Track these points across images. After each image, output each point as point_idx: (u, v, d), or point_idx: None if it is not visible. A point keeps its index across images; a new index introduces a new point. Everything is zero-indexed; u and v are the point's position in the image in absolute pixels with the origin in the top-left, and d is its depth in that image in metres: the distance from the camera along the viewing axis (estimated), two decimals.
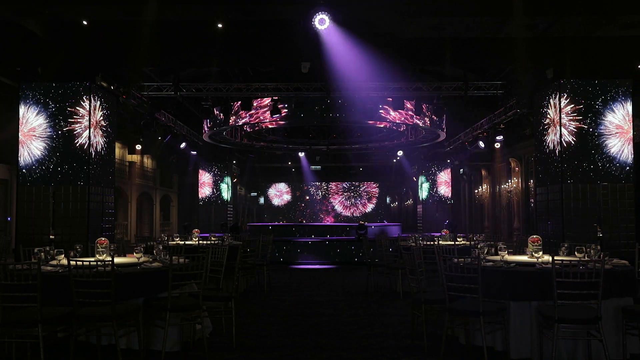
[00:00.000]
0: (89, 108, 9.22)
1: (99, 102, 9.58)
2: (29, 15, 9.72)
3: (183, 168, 24.37)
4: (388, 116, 15.03)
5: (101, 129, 9.61)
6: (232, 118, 15.34)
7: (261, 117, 14.97)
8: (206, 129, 16.41)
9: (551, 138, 9.64)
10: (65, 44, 11.16)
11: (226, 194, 22.76)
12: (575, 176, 9.21)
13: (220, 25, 9.77)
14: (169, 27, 10.62)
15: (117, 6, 9.60)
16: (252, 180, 31.79)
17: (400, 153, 19.69)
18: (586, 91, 9.33)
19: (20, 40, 10.91)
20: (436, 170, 22.81)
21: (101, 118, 9.63)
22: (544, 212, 9.90)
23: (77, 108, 9.21)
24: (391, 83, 13.71)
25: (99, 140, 9.51)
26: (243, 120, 15.37)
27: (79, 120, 9.18)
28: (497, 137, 15.43)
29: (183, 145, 15.39)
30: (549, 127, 9.75)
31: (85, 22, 9.88)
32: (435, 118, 15.28)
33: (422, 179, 22.86)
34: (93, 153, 9.28)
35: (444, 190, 22.73)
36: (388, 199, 35.01)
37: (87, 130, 9.17)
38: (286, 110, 14.67)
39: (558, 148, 9.34)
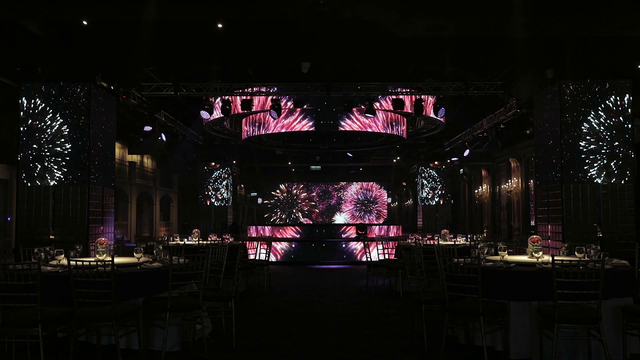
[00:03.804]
0: (89, 108, 9.22)
1: (99, 102, 9.58)
2: (29, 15, 9.72)
3: (183, 168, 24.36)
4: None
5: (101, 129, 9.60)
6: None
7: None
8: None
9: (551, 138, 9.64)
10: (65, 44, 11.16)
11: (226, 193, 22.76)
12: (575, 176, 9.21)
13: (220, 25, 9.76)
14: (169, 27, 10.61)
15: (117, 6, 9.60)
16: (252, 181, 31.79)
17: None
18: (586, 91, 9.32)
19: (20, 40, 10.91)
20: (436, 170, 22.80)
21: (101, 118, 9.63)
22: (544, 212, 9.90)
23: (77, 108, 9.21)
24: (391, 83, 13.71)
25: (98, 140, 9.51)
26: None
27: (78, 120, 9.17)
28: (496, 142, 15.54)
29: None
30: (549, 127, 9.75)
31: (85, 22, 9.87)
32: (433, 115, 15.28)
33: (422, 179, 22.86)
34: (93, 153, 9.27)
35: (444, 190, 22.72)
36: (389, 200, 34.97)
37: (87, 130, 9.16)
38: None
39: (558, 148, 9.34)
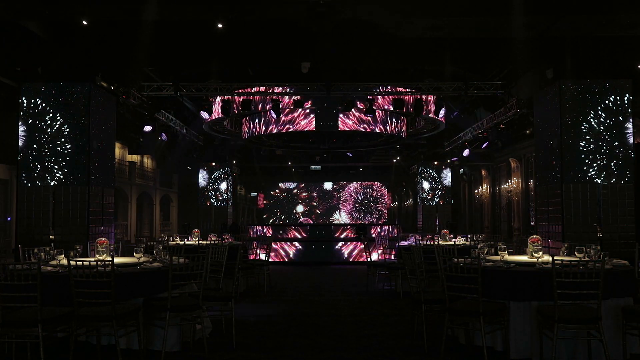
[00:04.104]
0: (89, 108, 9.22)
1: (98, 102, 9.58)
2: (29, 15, 9.71)
3: (183, 168, 24.36)
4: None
5: (101, 129, 9.61)
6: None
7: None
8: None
9: (551, 138, 9.64)
10: (65, 44, 11.15)
11: (226, 193, 22.76)
12: (575, 176, 9.21)
13: (220, 25, 9.76)
14: (169, 27, 10.61)
15: (117, 6, 9.59)
16: (252, 181, 31.79)
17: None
18: (586, 91, 9.32)
19: (20, 40, 10.89)
20: (436, 170, 22.79)
21: (101, 118, 9.63)
22: (544, 212, 9.90)
23: (77, 108, 9.21)
24: (391, 83, 13.71)
25: (98, 140, 9.51)
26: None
27: (78, 120, 9.17)
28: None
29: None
30: (549, 127, 9.75)
31: (85, 22, 9.87)
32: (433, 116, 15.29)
33: (422, 179, 22.85)
34: (93, 153, 9.27)
35: (444, 190, 22.71)
36: (389, 200, 34.99)
37: (87, 130, 9.17)
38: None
39: (558, 148, 9.34)
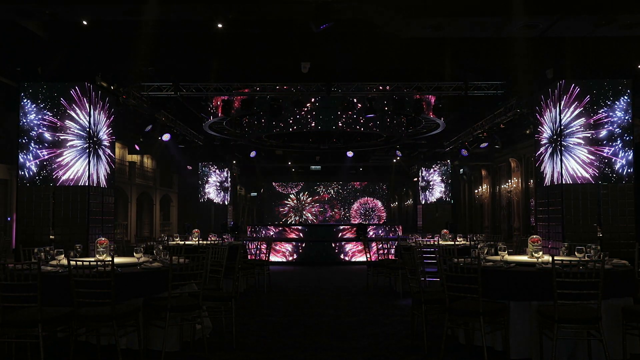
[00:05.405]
0: (89, 108, 9.22)
1: (98, 102, 9.58)
2: (29, 15, 9.70)
3: (183, 168, 24.35)
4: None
5: (101, 129, 9.61)
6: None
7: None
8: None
9: (551, 138, 9.64)
10: (65, 44, 11.15)
11: (226, 193, 22.75)
12: (575, 176, 9.21)
13: (220, 25, 9.75)
14: (169, 27, 10.60)
15: (117, 6, 9.58)
16: (252, 181, 31.79)
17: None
18: (586, 91, 9.32)
19: (20, 40, 10.90)
20: (436, 170, 22.78)
21: (101, 118, 9.63)
22: (544, 212, 9.90)
23: (77, 108, 9.21)
24: (391, 83, 13.70)
25: (98, 140, 9.51)
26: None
27: (78, 120, 9.17)
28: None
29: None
30: (548, 127, 9.75)
31: (85, 22, 9.86)
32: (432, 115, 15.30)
33: (422, 179, 22.84)
34: (93, 153, 9.27)
35: (444, 190, 22.71)
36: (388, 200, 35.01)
37: (87, 131, 9.17)
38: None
39: (558, 148, 9.34)
